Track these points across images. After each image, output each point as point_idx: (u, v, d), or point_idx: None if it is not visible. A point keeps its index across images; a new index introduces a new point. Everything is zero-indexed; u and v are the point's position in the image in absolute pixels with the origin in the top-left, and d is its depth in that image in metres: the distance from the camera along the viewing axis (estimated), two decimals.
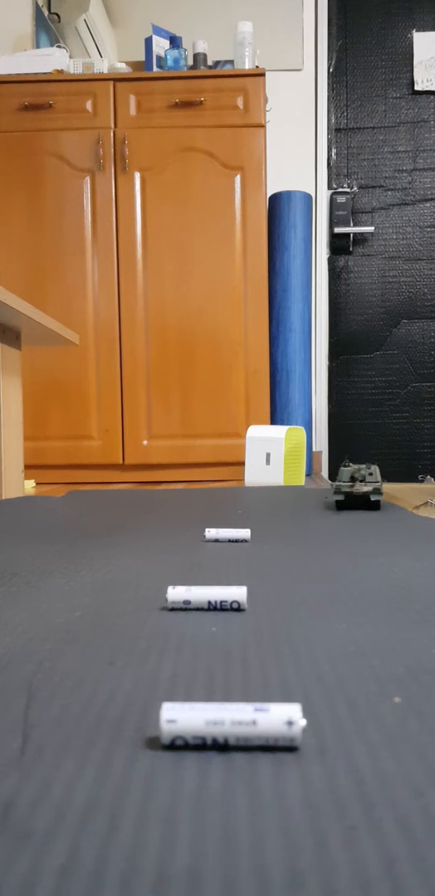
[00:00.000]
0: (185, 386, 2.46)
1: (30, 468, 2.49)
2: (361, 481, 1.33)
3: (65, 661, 0.49)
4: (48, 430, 2.47)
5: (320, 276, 2.91)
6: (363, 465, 1.35)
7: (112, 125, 2.43)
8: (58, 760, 0.34)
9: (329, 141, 2.91)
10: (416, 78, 2.88)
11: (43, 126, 2.43)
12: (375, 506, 1.33)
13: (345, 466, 1.34)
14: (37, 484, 2.49)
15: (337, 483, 1.33)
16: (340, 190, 2.91)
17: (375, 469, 1.36)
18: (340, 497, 1.32)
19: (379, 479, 1.34)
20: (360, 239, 2.92)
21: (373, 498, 1.29)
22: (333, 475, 2.96)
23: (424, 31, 2.88)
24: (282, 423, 2.65)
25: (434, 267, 2.92)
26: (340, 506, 1.35)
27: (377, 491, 1.29)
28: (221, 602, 0.61)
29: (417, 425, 2.94)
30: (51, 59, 2.48)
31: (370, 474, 1.33)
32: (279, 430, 2.09)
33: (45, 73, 2.45)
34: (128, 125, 2.43)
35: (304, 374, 2.66)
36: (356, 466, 1.34)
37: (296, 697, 0.42)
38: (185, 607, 0.62)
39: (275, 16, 2.86)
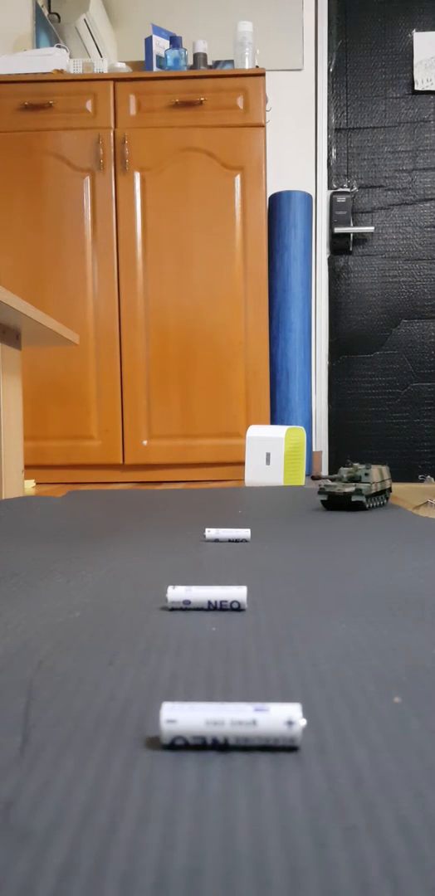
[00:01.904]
0: (185, 386, 2.46)
1: (30, 468, 2.49)
2: (356, 481, 1.33)
3: (65, 661, 0.49)
4: (48, 430, 2.47)
5: (320, 276, 2.91)
6: (363, 466, 1.34)
7: (112, 125, 2.43)
8: (58, 760, 0.34)
9: (329, 141, 2.91)
10: (416, 78, 2.88)
11: (43, 126, 2.43)
12: (359, 506, 1.32)
13: (345, 466, 1.34)
14: (37, 484, 2.49)
15: (322, 483, 1.34)
16: (340, 190, 2.91)
17: (377, 469, 1.35)
18: (324, 497, 1.33)
19: (375, 480, 1.33)
20: (360, 239, 2.92)
21: (353, 499, 1.28)
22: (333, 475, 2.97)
23: (424, 31, 2.88)
24: (282, 423, 2.65)
25: (434, 267, 2.92)
26: (326, 506, 1.35)
27: (359, 492, 1.28)
28: (221, 602, 0.61)
29: (417, 425, 2.94)
30: (51, 59, 2.48)
31: (366, 475, 1.32)
32: (279, 430, 2.09)
33: (45, 73, 2.45)
34: (128, 125, 2.43)
35: (304, 374, 2.66)
36: (356, 466, 1.34)
37: (296, 697, 0.42)
38: (185, 607, 0.62)
39: (275, 16, 2.86)
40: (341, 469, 1.36)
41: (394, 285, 2.92)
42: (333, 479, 1.37)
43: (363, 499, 1.28)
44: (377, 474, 1.36)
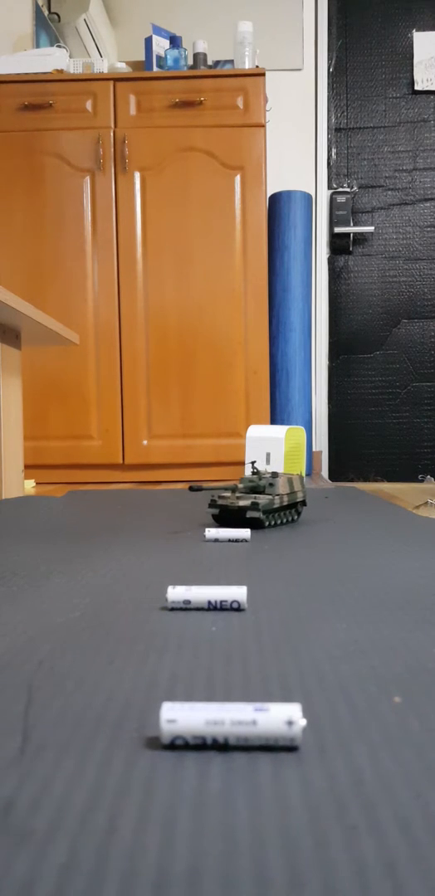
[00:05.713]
0: (185, 386, 2.46)
1: (30, 468, 2.49)
2: (259, 492, 1.14)
3: (65, 661, 0.49)
4: (48, 430, 2.47)
5: (320, 276, 2.91)
6: (268, 475, 1.15)
7: (112, 125, 2.43)
8: (58, 760, 0.34)
9: (329, 141, 2.91)
10: (416, 78, 2.88)
11: (43, 126, 2.43)
12: (255, 524, 1.12)
13: (253, 473, 1.15)
14: (37, 484, 2.49)
15: (214, 494, 1.11)
16: (340, 190, 2.91)
17: (285, 479, 1.16)
18: (214, 511, 1.13)
19: (282, 492, 1.14)
20: (360, 239, 2.92)
21: (248, 515, 1.09)
22: (333, 475, 2.96)
23: (424, 31, 2.88)
24: (282, 422, 2.65)
25: (434, 267, 2.92)
26: (218, 520, 1.16)
27: (255, 506, 1.09)
28: (221, 602, 0.61)
29: (417, 425, 2.94)
30: (51, 59, 2.48)
31: (270, 485, 1.13)
32: (279, 430, 2.09)
33: (45, 73, 2.45)
34: (128, 125, 2.42)
35: (304, 374, 2.66)
36: (261, 474, 1.15)
37: (296, 697, 0.42)
38: (185, 607, 0.62)
39: (275, 16, 2.86)
40: (243, 477, 1.15)
41: (394, 285, 2.92)
42: (234, 489, 1.14)
43: (260, 514, 1.09)
44: (285, 485, 1.16)
